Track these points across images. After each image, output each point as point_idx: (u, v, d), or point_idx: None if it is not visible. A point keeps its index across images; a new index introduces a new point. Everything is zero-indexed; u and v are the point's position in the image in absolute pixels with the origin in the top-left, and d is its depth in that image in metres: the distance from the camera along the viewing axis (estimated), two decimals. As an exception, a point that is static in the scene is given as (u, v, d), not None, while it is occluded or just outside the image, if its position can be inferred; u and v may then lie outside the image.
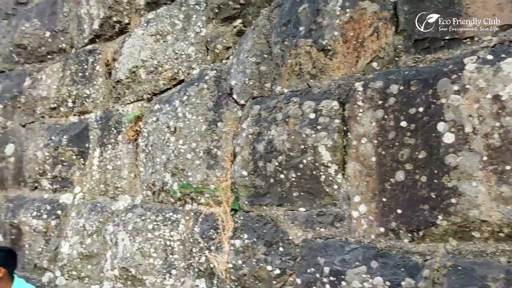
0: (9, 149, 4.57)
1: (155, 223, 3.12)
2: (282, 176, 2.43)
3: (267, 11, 2.82)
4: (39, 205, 4.11)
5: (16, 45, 4.76)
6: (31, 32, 4.61)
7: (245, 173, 2.59)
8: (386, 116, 2.08)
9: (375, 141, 2.11)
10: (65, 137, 4.04)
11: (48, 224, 3.95)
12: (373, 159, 2.11)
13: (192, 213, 2.94)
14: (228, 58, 3.04)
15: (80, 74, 4.09)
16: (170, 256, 2.97)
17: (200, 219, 2.86)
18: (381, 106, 2.11)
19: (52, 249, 3.88)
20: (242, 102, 2.79)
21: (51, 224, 3.93)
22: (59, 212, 3.94)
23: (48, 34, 4.51)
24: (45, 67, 4.49)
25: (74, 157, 3.97)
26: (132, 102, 3.61)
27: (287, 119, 2.44)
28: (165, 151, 3.09)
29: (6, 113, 4.76)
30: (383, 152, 2.08)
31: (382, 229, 2.06)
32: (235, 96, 2.83)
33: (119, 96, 3.71)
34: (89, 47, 4.14)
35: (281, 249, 2.40)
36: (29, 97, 4.52)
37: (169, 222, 3.03)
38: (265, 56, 2.72)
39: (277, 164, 2.45)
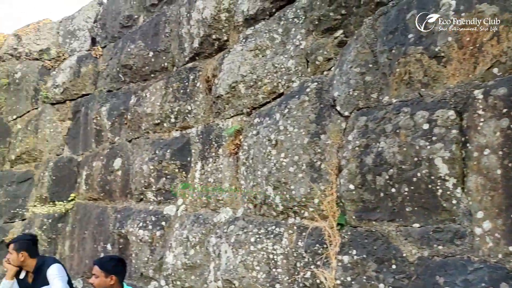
0: (117, 163, 4.86)
1: (257, 236, 3.13)
2: (393, 190, 2.33)
3: (371, 20, 2.74)
4: (144, 216, 4.31)
5: (123, 66, 5.07)
6: (136, 52, 4.89)
7: (352, 186, 2.52)
8: (512, 125, 1.92)
9: (500, 153, 1.95)
10: (168, 151, 4.22)
11: (153, 234, 4.12)
12: (498, 171, 1.95)
13: (295, 227, 2.91)
14: (329, 69, 3.00)
15: (181, 91, 4.26)
16: (274, 270, 2.96)
17: (304, 233, 2.82)
18: (506, 114, 1.95)
19: (157, 259, 4.04)
20: (346, 113, 2.72)
21: (156, 234, 4.10)
22: (163, 223, 4.11)
23: (151, 54, 4.76)
24: (149, 85, 4.74)
25: (176, 170, 4.13)
26: (232, 117, 3.69)
27: (397, 130, 2.34)
28: (267, 164, 3.10)
29: (114, 129, 5.08)
30: (510, 164, 1.91)
31: (511, 248, 1.89)
32: (338, 108, 2.78)
33: (219, 111, 3.80)
34: (190, 65, 4.31)
35: (393, 266, 2.29)
36: (134, 114, 4.78)
37: (272, 236, 3.03)
38: (370, 66, 2.64)
39: (387, 177, 2.35)
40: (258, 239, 3.10)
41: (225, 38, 3.95)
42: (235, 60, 3.63)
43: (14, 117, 6.50)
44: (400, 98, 2.43)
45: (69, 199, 5.53)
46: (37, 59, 6.56)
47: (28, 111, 6.39)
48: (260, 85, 3.41)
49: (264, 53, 3.44)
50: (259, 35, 3.51)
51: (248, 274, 3.10)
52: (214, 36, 4.00)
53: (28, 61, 6.60)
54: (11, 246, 4.19)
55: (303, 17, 3.23)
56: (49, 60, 6.39)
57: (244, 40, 3.66)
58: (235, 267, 3.19)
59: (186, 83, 4.24)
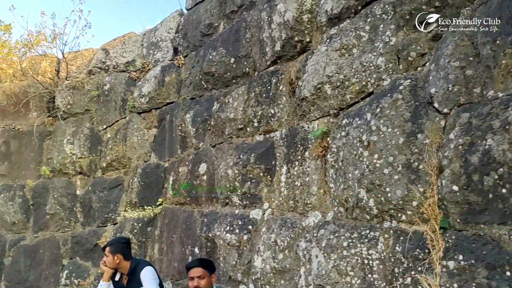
0: (202, 168, 4.96)
1: (350, 240, 3.04)
2: (504, 190, 2.16)
3: (469, 11, 2.59)
4: (231, 220, 4.35)
5: (205, 73, 5.18)
6: (218, 59, 4.98)
7: (456, 188, 2.37)
8: None
9: None
10: (252, 155, 4.24)
11: (240, 238, 4.15)
12: None
13: (391, 231, 2.79)
14: (423, 65, 2.86)
15: (264, 95, 4.27)
16: (369, 275, 2.86)
17: (402, 238, 2.70)
18: None
19: (245, 263, 4.06)
20: (445, 110, 2.58)
21: (243, 238, 4.12)
22: (250, 227, 4.12)
23: (232, 60, 4.82)
24: (231, 91, 4.80)
25: (261, 174, 4.13)
26: (317, 118, 3.63)
27: (507, 126, 2.16)
28: (358, 166, 3.01)
29: (198, 135, 5.19)
30: None
31: None
32: (436, 105, 2.63)
33: (304, 113, 3.76)
34: (271, 68, 4.31)
35: (508, 273, 2.11)
36: (217, 120, 4.86)
37: (366, 240, 2.92)
38: (471, 59, 2.48)
39: (497, 177, 2.18)
40: (351, 244, 3.01)
41: (308, 39, 3.91)
42: (320, 60, 3.57)
43: (104, 126, 6.86)
44: (507, 92, 2.26)
45: (157, 203, 5.72)
46: (123, 71, 6.89)
47: (117, 121, 6.72)
48: (348, 85, 3.32)
49: (350, 52, 3.35)
50: (345, 34, 3.43)
51: (341, 279, 3.02)
52: (296, 38, 3.97)
53: (115, 73, 6.96)
54: (107, 249, 4.42)
55: (392, 13, 3.11)
56: (135, 71, 6.68)
57: (328, 40, 3.59)
58: (327, 272, 3.12)
59: (269, 87, 4.24)
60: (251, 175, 4.24)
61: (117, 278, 4.47)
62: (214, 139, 4.94)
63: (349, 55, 3.37)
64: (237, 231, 4.22)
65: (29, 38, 8.32)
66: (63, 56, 7.66)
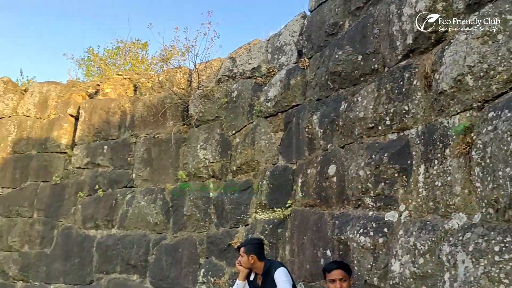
0: (331, 169, 4.89)
1: (502, 244, 2.75)
2: None
3: None
4: (364, 222, 4.22)
5: (331, 73, 5.12)
6: (344, 58, 4.89)
7: None
8: None
9: None
10: (385, 155, 4.07)
11: (375, 241, 4.00)
12: None
13: (555, 235, 2.47)
14: None
15: (396, 91, 4.08)
16: (529, 284, 2.56)
17: None
18: None
19: (381, 267, 3.91)
20: None
21: (378, 241, 3.97)
22: (385, 229, 3.96)
23: (360, 57, 4.70)
24: (359, 90, 4.68)
25: (396, 174, 3.95)
26: (458, 113, 3.36)
27: None
28: (510, 163, 2.72)
29: (326, 136, 5.15)
30: None
31: None
32: None
33: (442, 108, 3.51)
34: (403, 63, 4.11)
35: None
36: (346, 120, 4.76)
37: (523, 245, 2.63)
38: None
39: None
40: (504, 248, 2.73)
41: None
42: (459, 50, 3.31)
43: (233, 132, 7.14)
44: None
45: (287, 205, 5.79)
46: (249, 77, 7.12)
47: (245, 126, 6.95)
48: (493, 74, 3.03)
49: (495, 38, 3.06)
50: (487, 19, 3.14)
51: (493, 287, 2.74)
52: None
53: (242, 80, 7.22)
54: (242, 249, 4.57)
55: (545, -10, 2.77)
56: (260, 77, 6.86)
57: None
58: (476, 279, 2.86)
59: (401, 82, 4.04)
60: (384, 176, 4.08)
61: (251, 277, 4.60)
62: (343, 139, 4.85)
63: (493, 42, 3.07)
64: (371, 233, 4.08)
65: (164, 53, 9.00)
66: (195, 67, 8.15)
